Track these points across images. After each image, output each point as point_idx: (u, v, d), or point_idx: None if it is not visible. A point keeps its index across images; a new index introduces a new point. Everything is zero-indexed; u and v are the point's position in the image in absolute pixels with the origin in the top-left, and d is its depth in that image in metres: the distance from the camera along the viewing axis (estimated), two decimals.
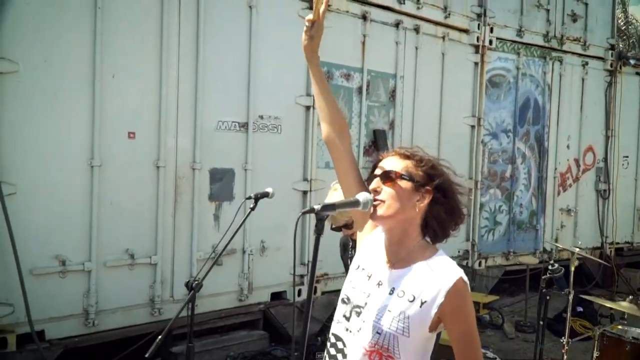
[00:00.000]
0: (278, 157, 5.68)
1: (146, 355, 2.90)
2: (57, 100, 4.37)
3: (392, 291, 1.91)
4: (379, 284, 1.95)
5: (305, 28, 2.06)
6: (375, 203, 1.92)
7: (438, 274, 1.87)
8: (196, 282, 3.04)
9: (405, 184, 1.94)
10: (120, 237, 4.69)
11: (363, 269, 2.02)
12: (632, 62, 9.46)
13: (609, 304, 4.68)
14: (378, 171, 1.99)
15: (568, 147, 8.76)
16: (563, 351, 4.62)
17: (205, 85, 5.09)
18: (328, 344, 2.03)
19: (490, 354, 6.19)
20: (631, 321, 4.70)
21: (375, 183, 1.96)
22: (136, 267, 4.77)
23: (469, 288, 1.90)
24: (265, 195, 3.40)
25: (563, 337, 4.64)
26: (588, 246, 9.15)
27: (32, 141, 4.28)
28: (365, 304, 1.94)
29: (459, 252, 7.60)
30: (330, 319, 3.09)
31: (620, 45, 12.74)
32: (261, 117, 5.52)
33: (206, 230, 5.18)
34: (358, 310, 1.95)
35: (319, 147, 6.02)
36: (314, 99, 5.81)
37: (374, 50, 6.41)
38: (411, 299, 1.87)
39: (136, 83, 4.76)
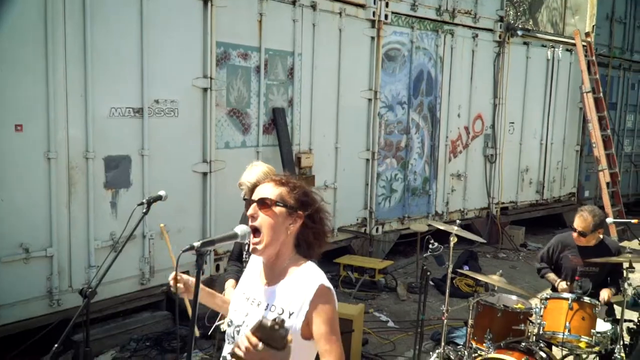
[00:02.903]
0: (176, 141, 5.69)
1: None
2: None
3: (267, 307, 2.12)
4: (258, 304, 2.15)
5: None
6: (253, 241, 2.11)
7: (303, 285, 2.09)
8: (90, 289, 3.11)
9: (279, 210, 2.13)
10: (13, 232, 4.62)
11: (243, 293, 2.24)
12: (519, 32, 10.01)
13: (482, 278, 5.16)
14: (255, 197, 2.17)
15: (459, 115, 9.28)
16: (443, 318, 5.08)
17: (95, 72, 4.98)
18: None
19: (383, 317, 6.69)
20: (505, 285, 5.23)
21: (252, 209, 2.13)
22: (32, 260, 4.73)
23: (332, 292, 2.11)
24: (158, 198, 3.49)
25: (443, 306, 5.10)
26: (476, 207, 9.87)
27: None
28: (243, 322, 2.14)
29: (357, 219, 8.00)
30: None
31: (511, 14, 13.41)
32: (157, 101, 5.49)
33: (103, 218, 5.17)
34: (238, 329, 2.15)
35: (218, 128, 6.09)
36: (211, 81, 5.85)
37: (271, 28, 6.46)
38: (280, 312, 2.07)
39: (22, 74, 4.60)
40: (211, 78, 5.85)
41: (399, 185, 8.55)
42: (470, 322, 4.81)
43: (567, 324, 4.17)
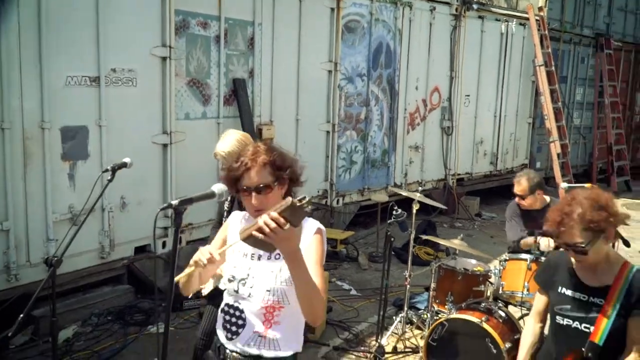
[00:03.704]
0: (135, 111, 5.57)
1: (9, 334, 2.91)
2: None
3: (269, 257, 2.29)
4: (259, 257, 2.31)
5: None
6: (255, 213, 2.23)
7: (303, 228, 2.24)
8: (55, 258, 3.04)
9: (274, 189, 2.28)
10: None
11: (239, 251, 2.35)
12: (475, 6, 10.14)
13: (444, 242, 5.29)
14: (248, 185, 2.24)
15: (417, 88, 9.37)
16: (406, 283, 5.21)
17: (49, 40, 4.81)
18: (222, 313, 2.37)
19: (346, 286, 6.78)
20: (463, 253, 5.38)
21: (255, 200, 2.24)
22: None
23: (325, 234, 2.35)
24: (123, 165, 3.43)
25: (405, 272, 5.22)
26: (434, 178, 10.05)
27: None
28: (248, 275, 2.30)
29: (318, 191, 8.04)
30: None
31: None
32: (114, 70, 5.34)
33: (61, 191, 5.04)
34: (243, 282, 2.30)
35: (178, 99, 5.99)
36: (170, 50, 5.73)
37: None
38: None
39: None
40: (170, 47, 5.72)
41: (358, 157, 8.61)
42: (432, 285, 4.94)
43: (526, 284, 4.33)
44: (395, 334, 5.23)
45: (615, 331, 2.49)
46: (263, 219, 1.94)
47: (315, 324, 2.27)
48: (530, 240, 4.65)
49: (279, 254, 2.24)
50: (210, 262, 2.19)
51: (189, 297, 3.86)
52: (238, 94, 6.57)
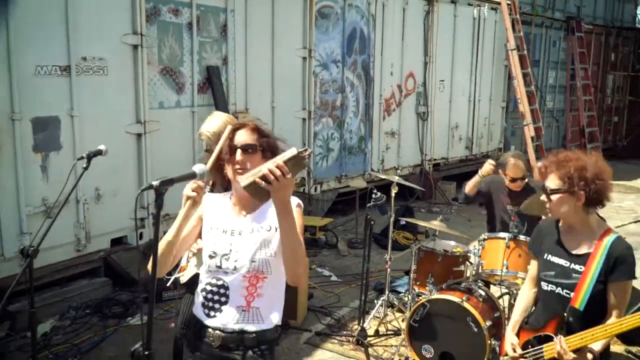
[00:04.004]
0: (107, 101, 5.47)
1: None
2: None
3: (251, 231, 2.35)
4: (240, 233, 2.36)
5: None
6: (238, 171, 2.31)
7: None
8: (32, 248, 2.97)
9: (258, 152, 2.36)
10: None
11: (217, 229, 2.40)
12: None
13: (423, 224, 5.31)
14: (236, 143, 2.35)
15: (391, 74, 9.38)
16: (387, 266, 5.22)
17: (18, 29, 4.69)
18: (204, 292, 2.38)
19: (326, 272, 6.79)
20: (444, 234, 5.41)
21: (240, 156, 2.32)
22: None
23: (302, 207, 2.43)
24: (99, 153, 3.35)
25: (386, 255, 5.24)
26: (410, 164, 10.10)
27: None
28: (231, 250, 2.34)
29: (295, 179, 7.97)
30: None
31: None
32: (84, 59, 5.23)
33: (34, 183, 4.94)
34: (227, 257, 2.34)
35: (151, 87, 5.89)
36: (141, 38, 5.63)
37: None
38: (268, 228, 2.34)
39: None
40: (141, 34, 5.63)
41: (335, 144, 8.60)
42: (413, 267, 4.96)
43: (505, 262, 4.37)
44: (377, 317, 5.25)
45: (595, 296, 2.54)
46: (268, 167, 2.00)
47: (297, 282, 2.30)
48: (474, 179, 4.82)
49: (260, 227, 2.33)
50: (198, 190, 2.29)
51: (168, 284, 3.84)
52: (212, 82, 6.49)
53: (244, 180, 2.05)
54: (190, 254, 3.71)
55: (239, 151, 2.32)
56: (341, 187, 8.73)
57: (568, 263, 2.70)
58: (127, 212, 5.70)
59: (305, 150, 2.03)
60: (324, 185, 8.44)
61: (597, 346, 2.57)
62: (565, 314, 2.67)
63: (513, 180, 4.85)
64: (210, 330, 2.37)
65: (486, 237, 4.62)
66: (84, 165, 3.24)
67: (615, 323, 2.51)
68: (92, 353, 4.63)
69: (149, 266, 2.30)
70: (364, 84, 8.91)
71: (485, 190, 5.08)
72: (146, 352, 2.00)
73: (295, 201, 2.35)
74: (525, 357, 2.79)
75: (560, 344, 2.58)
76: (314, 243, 7.53)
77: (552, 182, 2.66)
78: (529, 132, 10.99)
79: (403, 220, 7.96)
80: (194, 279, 3.73)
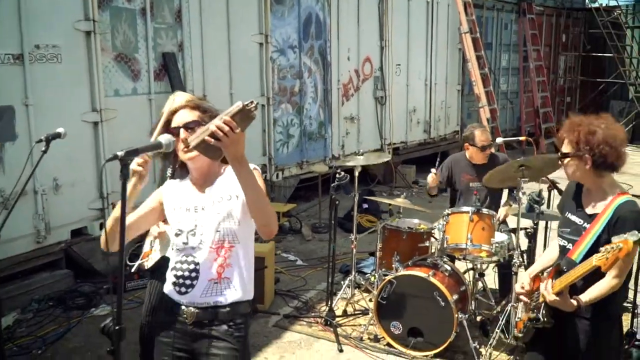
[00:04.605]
0: (62, 89, 5.33)
1: None
2: None
3: (213, 203, 2.37)
4: (202, 208, 2.39)
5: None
6: (185, 151, 2.32)
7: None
8: None
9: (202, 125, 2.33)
10: None
11: (180, 208, 2.43)
12: None
13: (387, 201, 5.38)
14: (178, 124, 2.40)
15: (348, 59, 9.40)
16: (352, 247, 5.27)
17: None
18: (174, 271, 2.40)
19: (291, 257, 6.80)
20: (407, 212, 5.49)
21: (183, 134, 2.36)
22: None
23: (259, 170, 2.42)
24: (57, 136, 3.26)
25: (351, 235, 5.28)
26: (370, 148, 10.14)
27: None
28: (196, 225, 2.37)
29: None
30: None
31: None
32: (37, 46, 5.08)
33: None
34: (192, 232, 2.37)
35: (106, 75, 5.76)
36: (94, 24, 5.50)
37: None
38: (229, 198, 2.36)
39: None
40: (94, 20, 5.49)
41: (295, 130, 8.58)
42: (379, 245, 5.02)
43: (469, 235, 4.45)
44: (345, 298, 5.29)
45: (592, 252, 2.58)
46: (215, 123, 2.00)
47: (270, 234, 2.30)
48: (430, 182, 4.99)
49: (221, 198, 2.36)
50: (144, 164, 2.36)
51: (132, 271, 3.77)
52: (169, 69, 6.38)
53: (193, 140, 2.06)
54: (152, 239, 3.66)
55: (181, 131, 2.35)
56: (303, 174, 8.73)
57: (582, 221, 2.79)
58: (87, 202, 5.58)
59: (252, 102, 2.02)
60: (285, 172, 8.42)
61: (585, 297, 2.67)
62: (560, 263, 2.79)
63: (484, 148, 4.93)
64: (183, 307, 2.36)
65: (450, 212, 4.70)
66: (43, 149, 3.14)
67: (587, 261, 2.57)
68: (58, 344, 4.53)
69: (102, 239, 2.36)
70: (322, 70, 8.91)
71: (447, 174, 5.18)
72: (117, 327, 1.97)
73: (251, 165, 2.37)
74: (530, 300, 2.94)
75: (546, 285, 2.74)
76: (277, 229, 7.51)
77: (565, 146, 2.77)
78: (485, 114, 11.21)
79: (365, 204, 8.06)
80: (161, 264, 3.70)
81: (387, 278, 4.52)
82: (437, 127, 11.73)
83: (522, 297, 2.94)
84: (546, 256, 3.11)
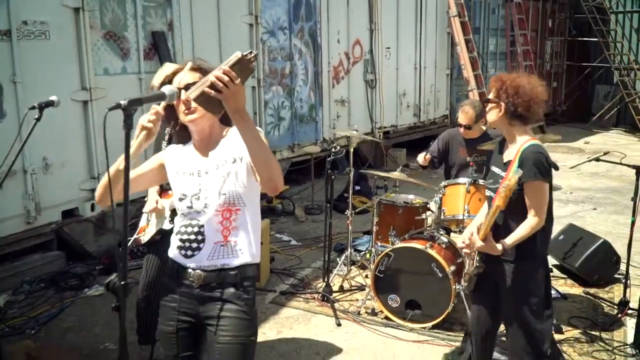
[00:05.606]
0: (51, 67, 5.22)
1: None
2: None
3: (217, 167, 2.31)
4: (206, 172, 2.33)
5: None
6: (189, 118, 2.29)
7: (239, 138, 2.19)
8: None
9: None
10: None
11: (184, 173, 2.37)
12: None
13: (383, 174, 5.36)
14: (181, 85, 2.32)
15: (338, 41, 9.34)
16: (348, 222, 5.24)
17: None
18: (179, 235, 2.35)
19: (285, 237, 6.76)
20: (402, 189, 5.46)
21: (184, 95, 2.27)
22: None
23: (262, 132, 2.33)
24: (51, 104, 3.18)
25: (347, 211, 5.25)
26: (361, 132, 10.09)
27: None
28: (200, 189, 2.32)
29: None
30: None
31: None
32: (25, 22, 4.97)
33: None
34: (196, 196, 2.32)
35: (95, 53, 5.66)
36: (83, 0, 5.40)
37: None
38: (233, 160, 2.30)
39: None
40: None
41: (286, 113, 8.52)
42: (375, 220, 4.99)
43: (466, 206, 4.44)
44: (340, 274, 5.27)
45: (511, 198, 2.71)
46: (214, 74, 1.95)
47: (276, 190, 2.23)
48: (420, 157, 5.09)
49: (225, 161, 2.30)
50: (155, 121, 2.27)
51: (129, 244, 3.71)
52: (159, 48, 6.29)
53: (193, 92, 2.01)
54: (148, 214, 3.61)
55: (182, 92, 2.28)
56: (294, 157, 8.68)
57: (500, 171, 3.00)
58: (77, 182, 5.49)
59: (251, 52, 1.98)
60: (277, 155, 8.34)
61: (509, 240, 2.84)
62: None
63: (464, 128, 4.92)
64: (190, 271, 2.32)
65: (446, 184, 4.68)
66: (36, 117, 3.07)
67: (493, 205, 2.73)
68: (51, 324, 4.46)
69: (97, 193, 2.41)
70: (312, 52, 8.84)
71: (443, 148, 5.15)
72: (122, 282, 1.92)
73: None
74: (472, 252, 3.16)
75: (472, 234, 2.92)
76: (270, 211, 7.48)
77: (490, 94, 2.99)
78: (474, 97, 11.20)
79: (357, 186, 8.04)
80: (156, 238, 3.64)
81: (385, 251, 4.50)
82: (427, 111, 11.73)
83: (464, 250, 3.08)
84: (485, 209, 3.25)
